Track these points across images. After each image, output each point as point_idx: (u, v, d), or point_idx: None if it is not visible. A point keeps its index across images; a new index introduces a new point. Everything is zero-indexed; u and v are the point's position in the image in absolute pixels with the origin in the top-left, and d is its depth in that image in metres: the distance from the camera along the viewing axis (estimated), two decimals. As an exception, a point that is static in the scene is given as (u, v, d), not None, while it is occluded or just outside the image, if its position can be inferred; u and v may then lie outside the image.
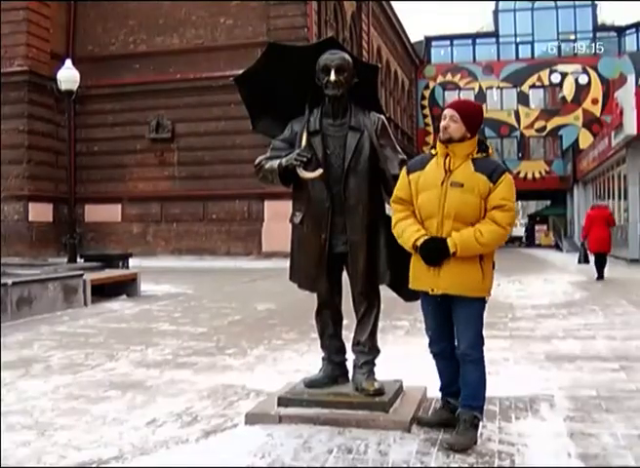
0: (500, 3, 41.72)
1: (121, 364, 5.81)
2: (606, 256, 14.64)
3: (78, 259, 13.99)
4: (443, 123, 3.49)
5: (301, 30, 20.45)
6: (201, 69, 21.17)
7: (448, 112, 3.50)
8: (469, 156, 3.48)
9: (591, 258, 14.99)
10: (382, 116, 4.00)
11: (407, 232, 3.50)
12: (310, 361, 5.46)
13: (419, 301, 3.80)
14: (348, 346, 4.07)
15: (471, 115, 3.52)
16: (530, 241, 44.73)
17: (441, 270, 3.42)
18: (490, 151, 3.55)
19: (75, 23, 22.66)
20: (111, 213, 22.13)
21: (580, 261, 17.13)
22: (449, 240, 3.37)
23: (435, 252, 3.38)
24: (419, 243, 3.43)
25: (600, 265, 14.46)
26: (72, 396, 4.68)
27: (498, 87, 40.87)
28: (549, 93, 40.66)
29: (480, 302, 3.51)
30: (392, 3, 33.26)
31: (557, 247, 37.45)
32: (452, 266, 3.40)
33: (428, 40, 43.12)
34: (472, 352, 3.48)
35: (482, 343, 3.55)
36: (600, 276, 14.31)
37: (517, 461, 3.28)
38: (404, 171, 3.64)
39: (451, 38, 42.89)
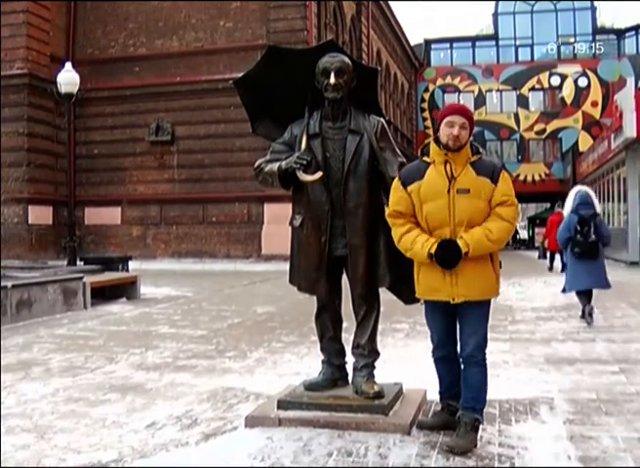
0: (500, 5, 41.76)
1: (121, 366, 5.81)
2: (554, 253, 18.29)
3: (78, 262, 13.97)
4: (452, 131, 3.43)
5: (301, 33, 20.44)
6: (201, 72, 21.14)
7: (457, 119, 3.45)
8: (468, 160, 3.49)
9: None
10: (382, 119, 3.99)
11: (418, 243, 3.44)
12: (310, 364, 5.47)
13: (418, 304, 3.80)
14: (348, 349, 4.07)
15: (473, 120, 3.57)
16: (517, 243, 44.36)
17: (458, 278, 3.40)
18: (481, 151, 3.56)
19: (75, 26, 22.63)
20: (111, 215, 22.09)
21: (539, 257, 22.49)
22: (459, 241, 3.36)
23: (448, 253, 3.36)
24: (432, 250, 3.38)
25: (553, 260, 17.99)
26: (72, 399, 4.68)
27: (497, 89, 40.86)
28: (549, 95, 40.66)
29: (488, 303, 3.54)
30: (392, 6, 33.28)
31: (557, 249, 37.32)
32: (468, 272, 3.40)
33: (428, 43, 43.13)
34: (478, 354, 3.50)
35: (486, 345, 3.56)
36: (551, 268, 17.96)
37: (517, 464, 3.27)
38: (398, 183, 3.57)
39: (450, 41, 42.88)
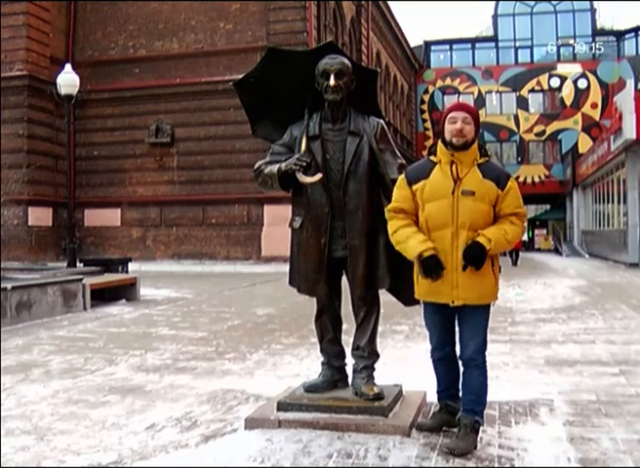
0: (500, 7, 41.80)
1: (120, 368, 5.80)
2: (519, 251, 24.04)
3: (78, 264, 13.97)
4: (456, 126, 3.40)
5: (301, 35, 20.45)
6: (201, 74, 21.15)
7: (459, 115, 3.43)
8: (474, 162, 3.46)
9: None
10: (382, 120, 3.99)
11: (413, 240, 3.42)
12: (310, 365, 5.47)
13: (418, 306, 3.79)
14: (348, 351, 4.07)
15: (478, 117, 3.54)
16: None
17: (459, 281, 3.39)
18: (489, 154, 3.54)
19: (75, 28, 22.64)
20: (111, 217, 22.09)
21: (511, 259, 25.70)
22: (480, 238, 3.34)
23: (477, 254, 3.33)
24: (425, 254, 3.36)
25: (516, 257, 23.42)
26: (71, 400, 4.68)
27: (497, 91, 40.93)
28: (548, 97, 40.73)
29: (488, 307, 3.52)
30: (392, 7, 33.32)
31: (557, 251, 37.51)
32: (469, 276, 3.38)
33: (428, 44, 43.19)
34: (478, 357, 3.49)
35: (486, 348, 3.55)
36: (514, 264, 22.68)
37: (517, 466, 3.27)
38: (404, 181, 3.56)
39: (450, 42, 42.94)
